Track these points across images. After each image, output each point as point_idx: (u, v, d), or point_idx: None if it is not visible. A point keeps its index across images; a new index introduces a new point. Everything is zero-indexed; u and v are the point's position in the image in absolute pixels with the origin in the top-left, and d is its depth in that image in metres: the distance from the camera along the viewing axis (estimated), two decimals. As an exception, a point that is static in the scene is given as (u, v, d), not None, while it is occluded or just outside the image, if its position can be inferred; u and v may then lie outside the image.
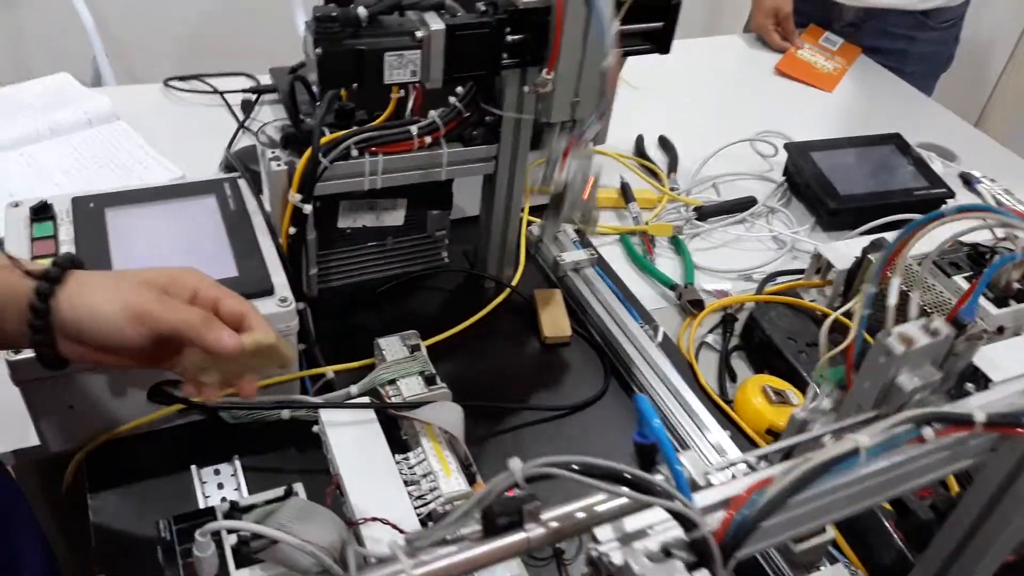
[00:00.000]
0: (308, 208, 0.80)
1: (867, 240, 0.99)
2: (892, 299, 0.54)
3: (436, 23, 0.72)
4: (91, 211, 0.82)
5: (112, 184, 1.08)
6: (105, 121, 1.20)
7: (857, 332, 0.56)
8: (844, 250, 1.00)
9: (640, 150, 1.32)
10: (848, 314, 0.89)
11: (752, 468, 0.52)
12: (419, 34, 0.72)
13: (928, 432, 0.51)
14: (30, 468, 0.82)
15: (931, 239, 0.59)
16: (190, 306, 0.59)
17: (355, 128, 0.81)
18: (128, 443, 0.76)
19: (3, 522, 0.53)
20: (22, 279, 0.57)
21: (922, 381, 0.53)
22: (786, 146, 1.28)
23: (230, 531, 0.59)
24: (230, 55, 1.48)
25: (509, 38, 0.77)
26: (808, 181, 1.22)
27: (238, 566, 0.60)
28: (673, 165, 1.29)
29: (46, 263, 0.59)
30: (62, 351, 0.59)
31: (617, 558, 0.43)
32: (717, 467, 0.51)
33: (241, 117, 1.25)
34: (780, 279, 1.08)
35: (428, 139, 0.83)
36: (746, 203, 1.21)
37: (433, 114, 0.84)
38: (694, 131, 1.35)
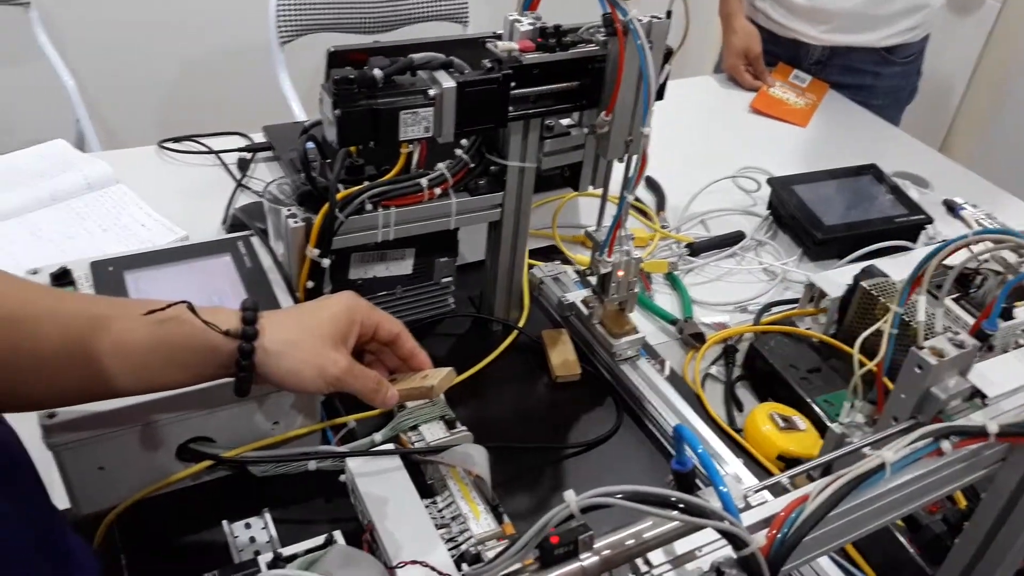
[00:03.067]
0: (326, 262, 0.83)
1: (857, 267, 1.03)
2: (921, 315, 0.59)
3: (447, 81, 0.75)
4: (111, 274, 0.83)
5: (116, 247, 1.09)
6: (105, 185, 1.22)
7: (887, 350, 0.60)
8: (836, 278, 1.05)
9: (628, 191, 1.36)
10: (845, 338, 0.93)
11: (786, 489, 0.55)
12: (432, 92, 0.75)
13: (946, 445, 0.54)
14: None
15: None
16: (369, 372, 0.69)
17: (368, 183, 0.84)
18: (158, 502, 0.77)
19: (55, 524, 0.55)
20: (206, 331, 0.63)
21: (955, 390, 0.58)
22: (769, 181, 1.33)
23: (277, 581, 0.61)
24: (208, 116, 1.51)
25: (565, 84, 0.83)
26: (793, 213, 1.27)
27: (286, 615, 0.61)
28: (661, 204, 1.33)
29: (233, 315, 0.65)
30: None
31: (672, 580, 0.46)
32: (755, 488, 0.53)
33: (238, 175, 1.27)
34: (775, 309, 1.11)
35: (437, 190, 0.86)
36: (735, 237, 1.25)
37: (441, 166, 0.87)
38: (679, 171, 1.40)
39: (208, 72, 2.30)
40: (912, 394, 0.59)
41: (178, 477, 0.77)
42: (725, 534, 0.45)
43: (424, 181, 0.85)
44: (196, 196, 1.24)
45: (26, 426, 0.68)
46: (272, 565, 0.63)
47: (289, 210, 0.83)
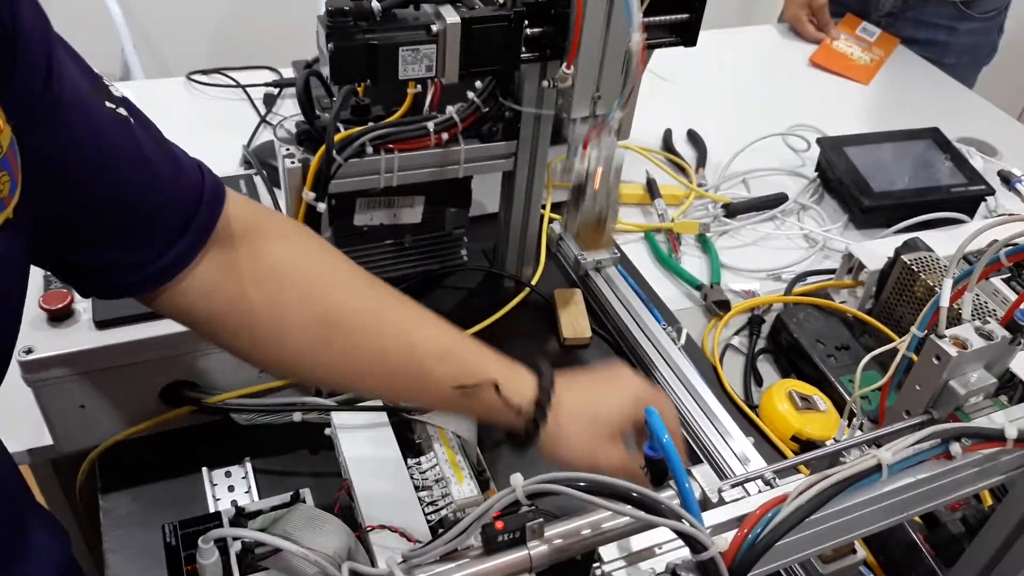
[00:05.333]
0: (322, 206, 0.79)
1: (901, 239, 0.95)
2: (944, 301, 0.53)
3: (452, 16, 0.70)
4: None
5: (133, 180, 1.08)
6: (129, 116, 1.20)
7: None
8: (877, 250, 0.97)
9: (667, 144, 1.29)
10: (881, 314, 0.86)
11: (769, 484, 0.50)
12: (434, 28, 0.70)
13: (955, 448, 0.49)
14: (45, 467, 0.82)
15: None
16: (639, 474, 0.62)
17: (370, 125, 0.79)
18: (140, 444, 0.75)
19: (15, 511, 0.54)
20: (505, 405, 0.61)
21: (976, 385, 0.52)
22: (819, 141, 1.25)
23: (234, 538, 0.58)
24: (260, 47, 1.47)
25: (528, 31, 0.75)
26: (841, 177, 1.18)
27: (243, 573, 0.58)
28: (701, 160, 1.26)
29: (530, 384, 0.62)
30: None
31: (621, 579, 0.42)
32: (731, 482, 0.49)
33: (263, 111, 1.24)
34: (810, 279, 1.05)
35: (445, 136, 0.81)
36: (777, 200, 1.18)
37: (451, 110, 0.82)
38: (724, 125, 1.32)
39: (255, 1, 2.26)
40: (928, 387, 0.53)
41: (161, 419, 0.75)
42: (682, 535, 0.40)
43: (430, 125, 0.81)
44: (220, 131, 1.22)
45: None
46: (234, 521, 0.61)
47: (287, 149, 0.80)
